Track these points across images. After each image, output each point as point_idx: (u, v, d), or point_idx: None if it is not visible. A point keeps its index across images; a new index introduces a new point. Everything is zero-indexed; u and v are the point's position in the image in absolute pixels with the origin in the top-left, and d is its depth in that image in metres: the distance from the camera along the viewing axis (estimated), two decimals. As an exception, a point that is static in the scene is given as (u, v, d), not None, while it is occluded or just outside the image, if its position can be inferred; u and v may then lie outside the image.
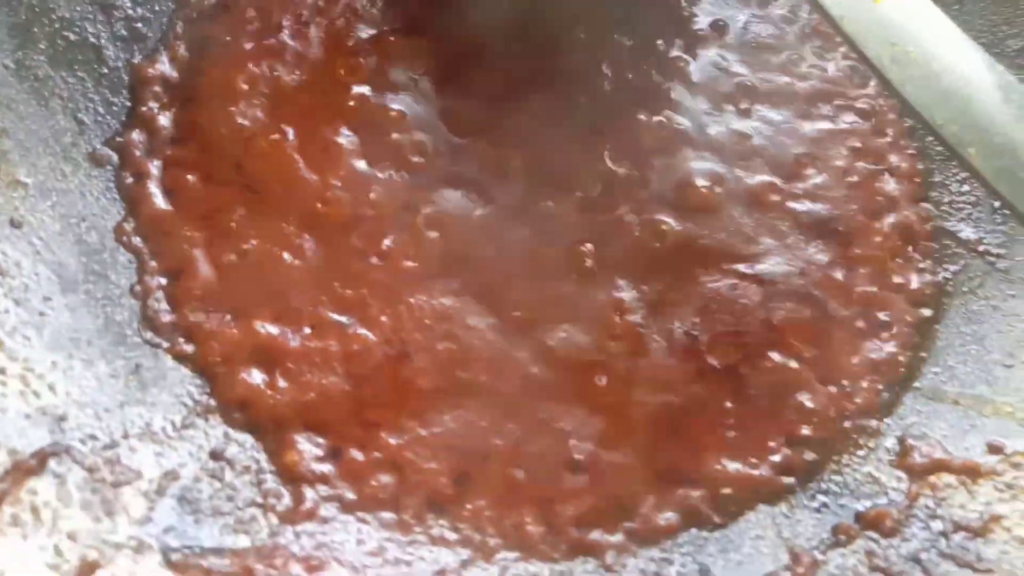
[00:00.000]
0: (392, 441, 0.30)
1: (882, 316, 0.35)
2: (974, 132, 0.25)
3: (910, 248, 0.36)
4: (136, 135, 0.35)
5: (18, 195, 0.31)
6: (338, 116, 0.36)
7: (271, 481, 0.29)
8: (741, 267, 0.35)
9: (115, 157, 0.34)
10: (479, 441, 0.31)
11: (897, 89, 0.27)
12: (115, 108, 0.35)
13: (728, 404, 0.32)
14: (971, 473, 0.30)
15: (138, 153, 0.34)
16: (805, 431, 0.32)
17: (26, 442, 0.25)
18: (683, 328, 0.34)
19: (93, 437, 0.27)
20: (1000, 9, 0.39)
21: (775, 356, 0.33)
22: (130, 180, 0.34)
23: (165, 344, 0.31)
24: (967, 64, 0.26)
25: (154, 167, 0.34)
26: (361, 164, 0.35)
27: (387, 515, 0.29)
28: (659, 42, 0.40)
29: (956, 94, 0.26)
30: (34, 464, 0.25)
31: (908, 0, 0.28)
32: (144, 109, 0.35)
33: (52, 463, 0.25)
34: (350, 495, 0.29)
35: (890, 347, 0.34)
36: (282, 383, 0.31)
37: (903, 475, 0.31)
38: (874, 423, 0.32)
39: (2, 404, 0.26)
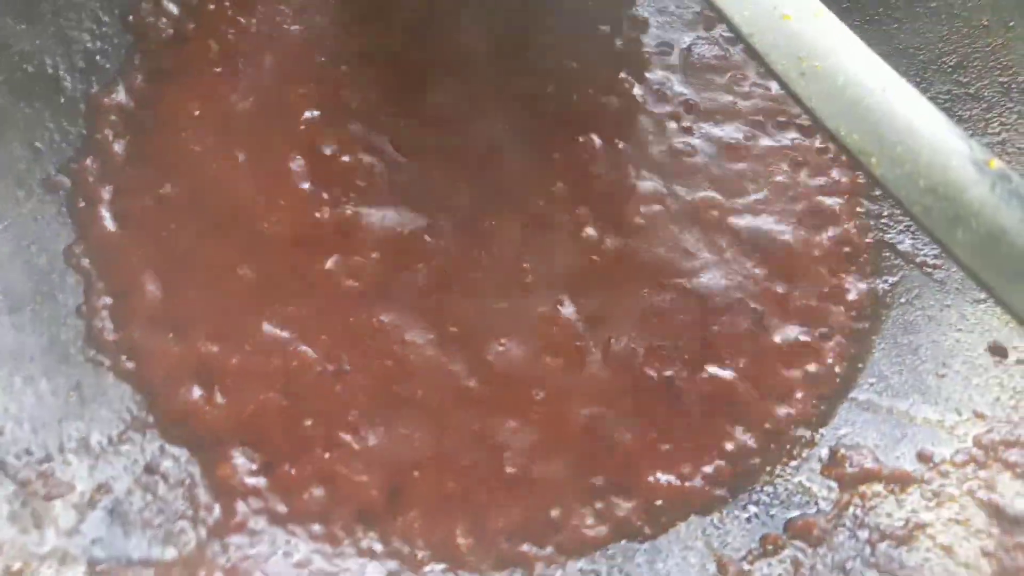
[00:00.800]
0: (326, 455, 0.31)
1: (820, 328, 0.35)
2: (875, 142, 0.26)
3: (849, 261, 0.37)
4: (90, 161, 0.36)
5: (-30, 220, 0.32)
6: (288, 140, 0.37)
7: (203, 495, 0.29)
8: (680, 281, 0.36)
9: (68, 183, 0.35)
10: (412, 454, 0.31)
11: (804, 102, 0.27)
12: (70, 136, 0.36)
13: (663, 416, 0.33)
14: (900, 481, 0.30)
15: (91, 179, 0.36)
16: (739, 442, 0.32)
17: (-43, 456, 0.26)
18: (620, 342, 0.34)
19: (28, 452, 0.28)
20: (936, 27, 0.40)
21: (711, 368, 0.34)
22: (82, 204, 0.35)
23: (108, 362, 0.32)
24: (869, 77, 0.27)
25: (106, 192, 0.36)
26: (307, 186, 0.36)
27: (316, 527, 0.29)
28: (604, 65, 0.41)
29: (859, 105, 0.27)
30: (-36, 477, 0.26)
31: (816, 18, 0.28)
32: (99, 136, 0.37)
33: (-18, 476, 0.26)
34: (281, 508, 0.29)
35: (827, 359, 0.34)
36: (220, 399, 0.31)
37: (834, 484, 0.31)
38: (808, 434, 0.33)
39: (-63, 419, 0.26)
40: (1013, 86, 0.38)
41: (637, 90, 0.40)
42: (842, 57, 0.28)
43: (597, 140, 0.39)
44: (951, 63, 0.39)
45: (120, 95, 0.38)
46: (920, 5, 0.41)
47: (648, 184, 0.38)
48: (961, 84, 0.39)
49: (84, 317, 0.33)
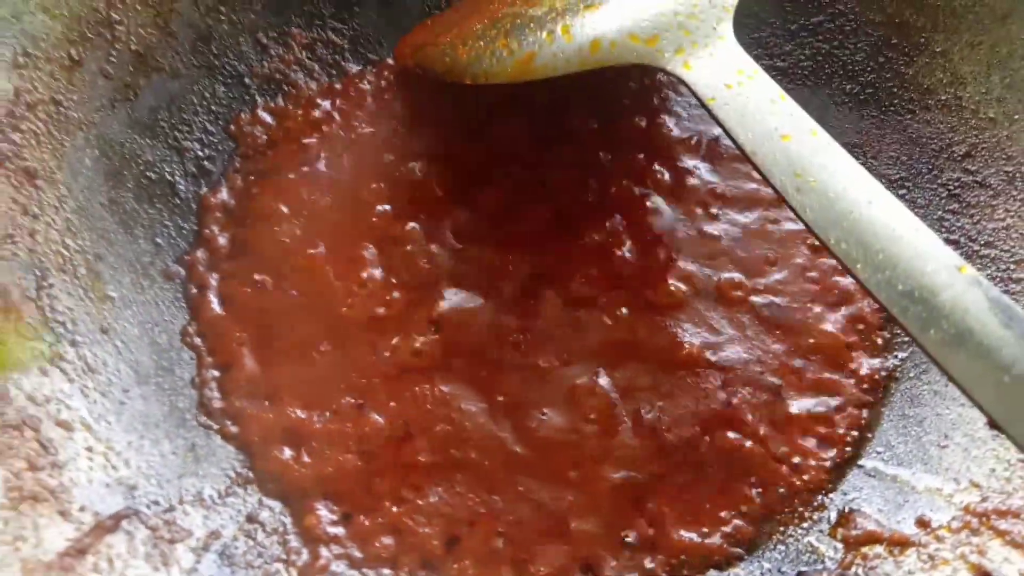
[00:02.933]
0: (394, 509, 0.36)
1: (833, 400, 0.39)
2: (860, 250, 0.30)
3: (861, 337, 0.40)
4: (200, 253, 0.43)
5: (107, 307, 0.39)
6: (362, 231, 0.43)
7: (294, 541, 0.35)
8: (705, 355, 0.40)
9: (182, 272, 0.42)
10: (467, 510, 0.36)
11: (799, 213, 0.32)
12: (184, 231, 0.43)
13: (686, 479, 0.37)
14: (899, 544, 0.33)
15: (201, 268, 0.42)
16: (756, 504, 0.36)
17: (106, 506, 0.33)
18: (649, 411, 0.39)
19: (156, 503, 0.34)
20: (946, 119, 0.44)
21: (732, 436, 0.38)
22: (194, 291, 0.42)
23: (216, 426, 0.38)
24: (857, 191, 0.31)
25: (213, 279, 0.42)
26: (378, 272, 0.42)
27: (387, 572, 0.35)
28: (639, 156, 0.46)
29: (847, 217, 0.31)
30: (111, 524, 0.32)
31: (812, 136, 0.33)
32: (207, 231, 0.44)
33: (124, 523, 0.33)
34: (357, 554, 0.35)
35: (839, 428, 0.38)
36: (306, 458, 0.37)
37: (839, 545, 0.34)
38: (819, 498, 0.36)
39: (89, 476, 0.33)
40: (1017, 175, 0.41)
41: (668, 178, 0.45)
42: (833, 173, 0.32)
43: (631, 226, 0.44)
44: (960, 152, 0.43)
45: (223, 194, 0.45)
46: (931, 98, 0.44)
47: (678, 266, 0.42)
48: (969, 172, 0.42)
49: (196, 388, 0.39)
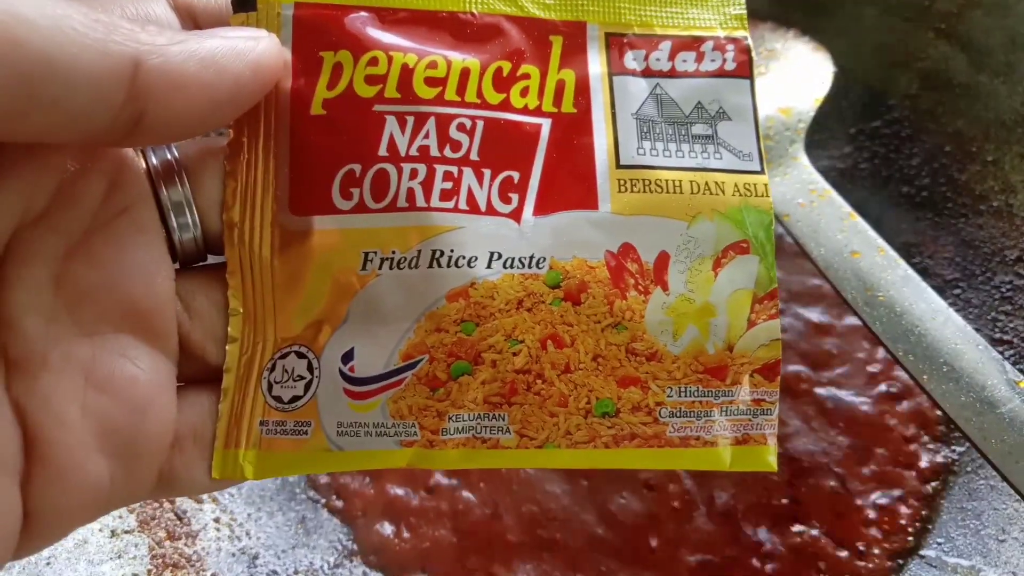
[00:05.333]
0: (486, 583, 0.39)
1: (894, 491, 0.41)
2: (926, 362, 0.33)
3: (922, 431, 0.43)
4: (305, 335, 0.47)
5: (226, 386, 0.43)
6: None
7: (396, 611, 0.38)
8: (773, 445, 0.43)
9: (290, 353, 0.46)
10: (553, 586, 0.39)
11: (869, 325, 0.35)
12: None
13: (757, 564, 0.40)
14: (963, 635, 0.36)
15: (306, 350, 0.47)
16: (823, 590, 0.39)
17: (233, 574, 0.36)
18: (722, 498, 0.41)
19: (275, 572, 0.37)
20: (998, 224, 0.47)
21: (799, 524, 0.41)
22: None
23: (323, 500, 0.42)
24: (923, 307, 0.34)
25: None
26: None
27: (481, 643, 0.38)
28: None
29: (913, 331, 0.34)
30: (244, 592, 0.36)
31: (879, 254, 0.36)
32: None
33: (250, 592, 0.36)
34: (454, 625, 0.38)
35: (900, 519, 0.41)
36: (405, 534, 0.41)
37: (905, 633, 0.37)
38: (883, 586, 0.39)
39: (218, 545, 0.37)
40: (1067, 281, 0.44)
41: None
42: (901, 290, 0.35)
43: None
44: (1012, 256, 0.46)
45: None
46: (984, 204, 0.48)
47: (745, 358, 0.46)
48: (1021, 276, 0.45)
49: (304, 463, 0.43)
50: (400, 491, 0.42)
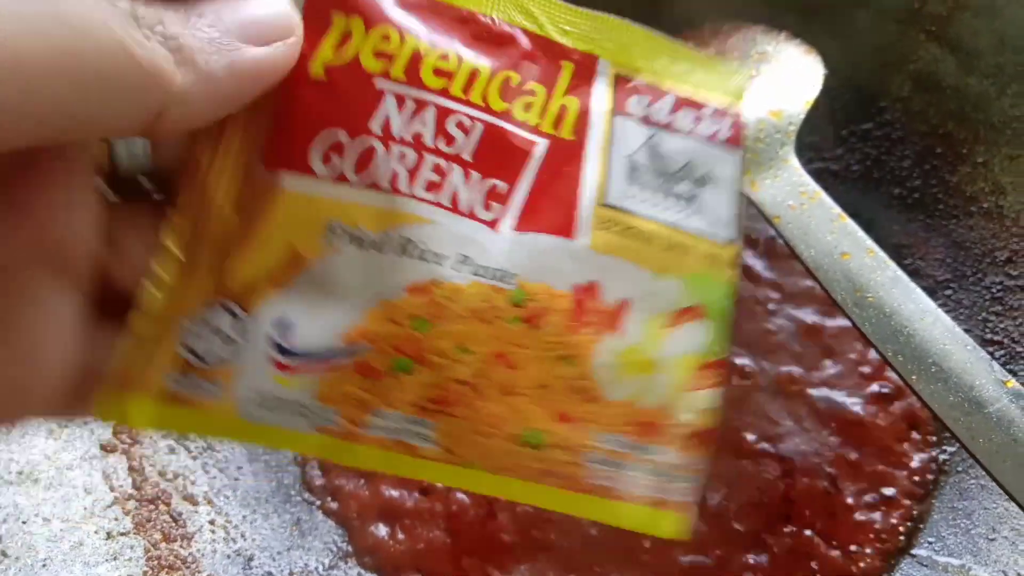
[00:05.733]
0: (480, 584, 0.39)
1: (886, 491, 0.42)
2: (915, 362, 0.33)
3: (913, 432, 0.43)
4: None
5: (222, 389, 0.43)
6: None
7: (390, 612, 0.38)
8: (765, 446, 0.43)
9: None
10: (547, 587, 0.39)
11: (858, 325, 0.35)
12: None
13: (750, 562, 0.40)
14: (953, 633, 0.36)
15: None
16: (815, 589, 0.39)
17: (228, 575, 0.37)
18: (714, 499, 0.42)
19: (270, 574, 0.38)
20: (989, 225, 0.47)
21: (791, 524, 0.41)
22: (296, 373, 0.46)
23: (318, 502, 0.42)
24: (912, 308, 0.35)
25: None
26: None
27: (475, 643, 0.38)
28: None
29: (902, 332, 0.34)
30: (233, 594, 0.36)
31: (869, 255, 0.36)
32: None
33: (244, 593, 0.36)
34: (447, 625, 0.38)
35: (892, 519, 0.41)
36: (400, 535, 0.41)
37: (896, 631, 0.37)
38: (875, 585, 0.39)
39: (213, 547, 0.37)
40: (1057, 282, 0.44)
41: (728, 276, 0.49)
42: (890, 290, 0.35)
43: (695, 320, 0.47)
44: (1003, 257, 0.46)
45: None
46: (974, 205, 0.48)
47: (738, 360, 0.46)
48: (1011, 276, 0.46)
49: (299, 466, 0.43)
50: (395, 493, 0.42)
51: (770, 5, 0.50)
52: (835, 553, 0.40)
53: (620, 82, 0.25)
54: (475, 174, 0.23)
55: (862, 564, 0.40)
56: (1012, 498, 0.31)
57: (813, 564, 0.40)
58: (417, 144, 0.22)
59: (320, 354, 0.22)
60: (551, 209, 0.23)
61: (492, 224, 0.23)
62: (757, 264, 0.49)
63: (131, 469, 0.37)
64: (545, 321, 0.23)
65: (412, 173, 0.22)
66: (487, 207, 0.23)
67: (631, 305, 0.24)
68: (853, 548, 0.40)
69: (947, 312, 0.34)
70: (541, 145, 0.24)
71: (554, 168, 0.24)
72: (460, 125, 0.23)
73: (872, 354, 0.46)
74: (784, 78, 0.43)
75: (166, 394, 0.21)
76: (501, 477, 0.23)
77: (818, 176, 0.40)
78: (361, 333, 0.22)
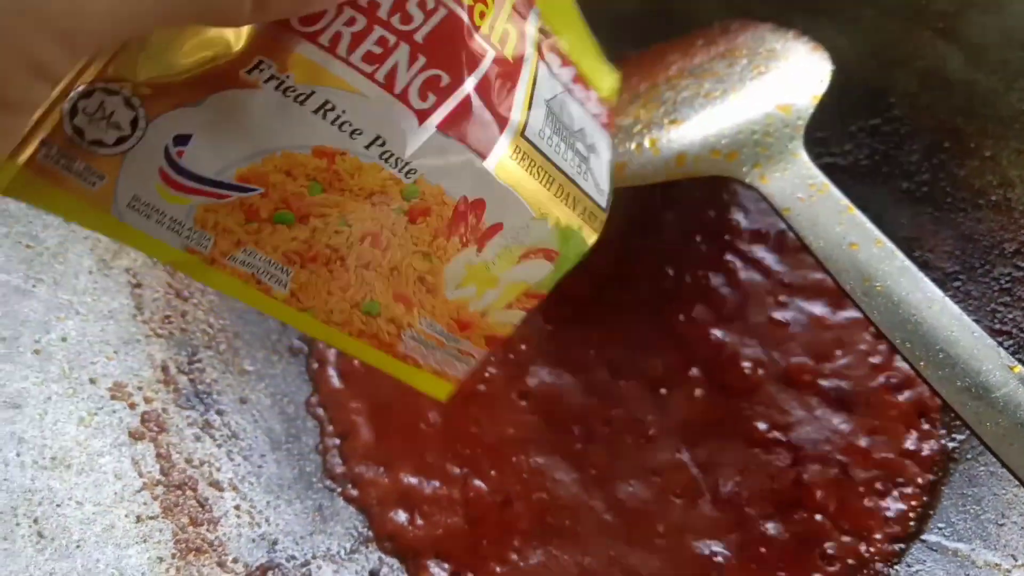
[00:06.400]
0: (498, 569, 0.40)
1: (897, 478, 0.42)
2: (923, 349, 0.34)
3: (923, 419, 0.44)
4: (320, 331, 0.48)
5: (245, 380, 0.44)
6: (463, 314, 0.48)
7: (410, 595, 0.39)
8: (776, 435, 0.44)
9: (305, 348, 0.48)
10: (562, 572, 0.40)
11: (867, 314, 0.36)
12: (306, 311, 0.49)
13: (762, 550, 0.41)
14: (963, 616, 0.36)
15: (320, 345, 0.48)
16: (826, 574, 0.40)
17: (253, 558, 0.37)
18: (727, 486, 0.42)
19: (293, 557, 0.39)
20: (997, 217, 0.48)
21: (803, 510, 0.42)
22: (315, 365, 0.47)
23: (339, 489, 0.43)
24: (920, 296, 0.35)
25: (331, 355, 0.48)
26: (479, 352, 0.47)
27: (493, 626, 0.39)
28: (712, 247, 0.51)
29: (910, 320, 0.35)
30: (258, 574, 0.37)
31: (877, 246, 0.37)
32: (326, 312, 0.49)
33: (269, 574, 0.37)
34: (466, 609, 0.39)
35: (902, 505, 0.41)
36: (419, 521, 0.42)
37: (906, 615, 0.38)
38: (885, 569, 0.40)
39: (238, 531, 0.38)
40: (1065, 273, 0.45)
41: (739, 267, 0.50)
42: (898, 279, 0.36)
43: (707, 312, 0.48)
44: (1011, 249, 0.47)
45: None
46: (982, 198, 0.48)
47: (750, 351, 0.47)
48: (1020, 268, 0.46)
49: (320, 454, 0.44)
50: (413, 479, 0.43)
51: (779, 3, 0.51)
52: (846, 538, 0.40)
53: (543, 32, 0.26)
54: (422, 58, 0.22)
55: (872, 549, 0.40)
56: (1020, 480, 0.31)
57: (826, 547, 0.40)
58: (370, 12, 0.22)
59: (210, 181, 0.22)
60: (477, 122, 0.24)
61: (421, 115, 0.23)
62: (768, 257, 0.50)
63: (159, 456, 0.38)
64: (425, 219, 0.24)
65: (356, 38, 0.22)
66: (423, 96, 0.23)
67: (501, 231, 0.26)
68: (864, 534, 0.41)
69: (956, 304, 0.35)
70: (490, 55, 0.24)
71: (490, 84, 0.24)
72: (422, 5, 0.22)
73: (882, 344, 0.46)
74: (793, 74, 0.44)
75: (38, 166, 0.21)
76: (330, 328, 0.25)
77: (827, 171, 0.41)
78: (256, 176, 0.22)
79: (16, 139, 0.19)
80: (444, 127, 0.23)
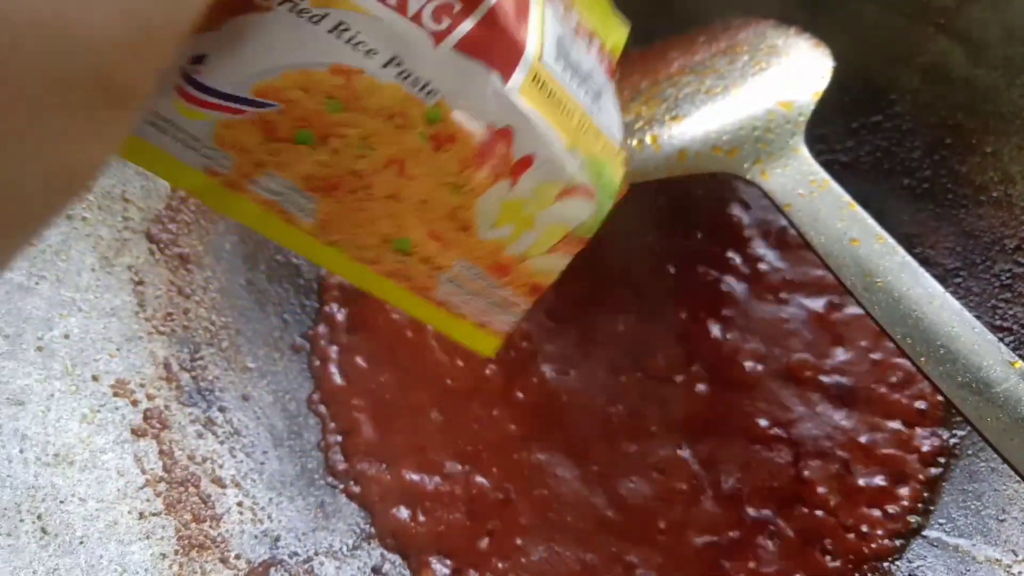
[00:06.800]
0: (500, 565, 0.40)
1: (898, 474, 0.42)
2: (924, 345, 0.34)
3: (924, 416, 0.44)
4: (321, 328, 0.48)
5: (247, 377, 0.45)
6: (464, 311, 0.49)
7: (412, 591, 0.40)
8: (778, 431, 0.44)
9: (307, 345, 0.48)
10: (564, 568, 0.40)
11: (868, 309, 0.36)
12: (307, 308, 0.49)
13: (763, 544, 0.41)
14: (963, 611, 0.37)
15: (322, 342, 0.48)
16: (827, 572, 0.40)
17: (255, 555, 0.38)
18: (728, 482, 0.42)
19: (296, 554, 0.39)
20: (998, 213, 0.48)
21: (804, 506, 0.42)
22: (317, 362, 0.47)
23: (341, 486, 0.43)
24: (920, 292, 0.35)
25: (333, 352, 0.48)
26: (481, 349, 0.47)
27: (495, 621, 0.39)
28: (713, 243, 0.51)
29: (911, 315, 0.35)
30: (261, 571, 0.37)
31: (878, 242, 0.37)
32: (327, 309, 0.49)
33: (272, 571, 0.38)
34: (468, 605, 0.39)
35: (903, 501, 0.42)
36: (421, 518, 0.42)
37: (907, 610, 0.38)
38: (885, 565, 0.40)
39: (241, 528, 0.38)
40: (1066, 269, 0.45)
41: (740, 264, 0.50)
42: (899, 275, 0.36)
43: (708, 309, 0.48)
44: (1012, 245, 0.47)
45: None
46: (983, 194, 0.48)
47: (751, 347, 0.47)
48: (1020, 264, 0.46)
49: (322, 451, 0.44)
50: (415, 476, 0.43)
51: (782, 2, 0.51)
52: (847, 534, 0.41)
53: None
54: None
55: (874, 545, 0.40)
56: (1020, 475, 0.31)
57: (826, 543, 0.40)
58: None
59: (227, 96, 0.21)
60: (495, 44, 0.23)
61: (437, 37, 0.22)
62: (769, 254, 0.50)
63: (161, 453, 0.38)
64: (450, 147, 0.23)
65: None
66: (437, 19, 0.22)
67: (533, 162, 0.24)
68: (865, 529, 0.41)
69: (957, 300, 0.35)
70: None
71: (505, 11, 0.23)
72: None
73: (883, 341, 0.46)
74: (794, 71, 0.44)
75: None
76: (359, 265, 0.24)
77: (829, 167, 0.41)
78: (273, 90, 0.21)
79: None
80: (462, 47, 0.22)
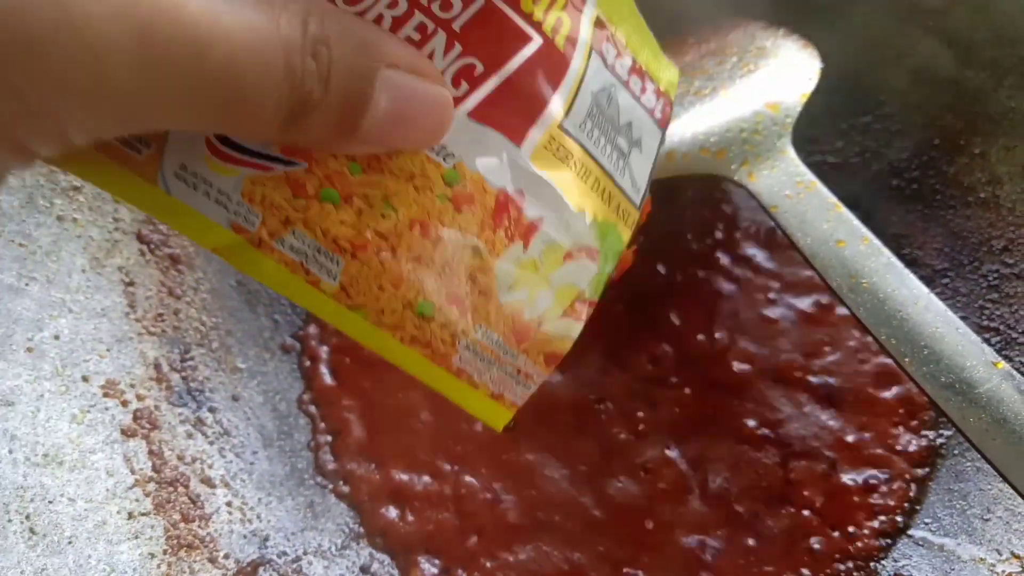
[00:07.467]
0: (488, 564, 0.41)
1: (884, 474, 0.43)
2: (908, 345, 0.34)
3: (910, 416, 0.44)
4: (311, 328, 0.49)
5: (237, 377, 0.45)
6: (455, 312, 0.49)
7: (401, 591, 0.40)
8: (765, 431, 0.44)
9: (297, 346, 0.48)
10: (552, 567, 0.41)
11: (853, 310, 0.36)
12: (297, 309, 0.49)
13: (750, 543, 0.41)
14: (948, 610, 0.37)
15: (313, 343, 0.48)
16: (813, 570, 0.40)
17: (244, 554, 0.38)
18: (716, 481, 0.43)
19: (284, 553, 0.39)
20: (985, 214, 0.48)
21: (791, 505, 0.42)
22: (307, 363, 0.48)
23: (330, 486, 0.43)
24: (905, 293, 0.36)
25: (323, 352, 0.48)
26: (470, 349, 0.47)
27: (483, 620, 0.39)
28: (703, 244, 0.51)
29: (895, 316, 0.35)
30: (250, 570, 0.37)
31: (863, 243, 0.37)
32: (319, 309, 0.49)
33: (260, 570, 0.38)
34: (456, 604, 0.39)
35: (889, 500, 0.42)
36: (410, 517, 0.42)
37: (892, 609, 0.38)
38: (871, 565, 0.40)
39: (230, 527, 0.38)
40: (1053, 269, 0.45)
41: (729, 265, 0.50)
42: (884, 276, 0.36)
43: (697, 309, 0.48)
44: (999, 246, 0.47)
45: (332, 276, 0.51)
46: (971, 195, 0.49)
47: (739, 347, 0.47)
48: (1007, 264, 0.46)
49: (312, 451, 0.44)
50: (404, 476, 0.43)
51: (770, 2, 0.51)
52: (834, 533, 0.41)
53: (599, 24, 0.26)
54: (458, 47, 0.23)
55: (859, 544, 0.41)
56: (1001, 475, 0.32)
57: (812, 543, 0.41)
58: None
59: (256, 153, 0.22)
60: (513, 109, 0.24)
61: (454, 102, 0.23)
62: (758, 254, 0.50)
63: (151, 453, 0.38)
64: (470, 208, 0.24)
65: (396, 23, 0.22)
66: (456, 84, 0.23)
67: (542, 226, 0.25)
68: (851, 529, 0.41)
69: (944, 300, 0.36)
70: (535, 43, 0.24)
71: (535, 71, 0.24)
72: None
73: (870, 341, 0.47)
74: (782, 72, 0.44)
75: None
76: (380, 330, 0.24)
77: (817, 168, 0.41)
78: (300, 151, 0.22)
79: None
80: (476, 115, 0.23)
